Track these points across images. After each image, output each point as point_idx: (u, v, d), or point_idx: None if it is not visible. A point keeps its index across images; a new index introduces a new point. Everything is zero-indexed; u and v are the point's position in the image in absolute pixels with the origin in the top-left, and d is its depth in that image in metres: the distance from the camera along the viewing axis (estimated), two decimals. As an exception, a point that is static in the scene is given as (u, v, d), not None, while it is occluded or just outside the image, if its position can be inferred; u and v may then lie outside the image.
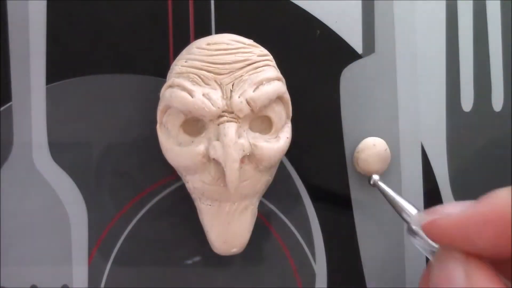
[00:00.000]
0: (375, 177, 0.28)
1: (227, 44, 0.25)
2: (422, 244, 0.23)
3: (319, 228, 0.29)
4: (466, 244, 0.20)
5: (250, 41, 0.26)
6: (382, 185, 0.27)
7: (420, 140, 0.29)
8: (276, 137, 0.26)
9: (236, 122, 0.24)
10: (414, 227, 0.23)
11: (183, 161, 0.25)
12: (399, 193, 0.28)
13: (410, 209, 0.25)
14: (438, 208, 0.22)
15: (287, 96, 0.26)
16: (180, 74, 0.25)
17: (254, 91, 0.24)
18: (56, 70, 0.28)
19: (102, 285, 0.28)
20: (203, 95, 0.24)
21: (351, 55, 0.29)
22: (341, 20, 0.29)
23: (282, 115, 0.26)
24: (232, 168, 0.24)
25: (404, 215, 0.25)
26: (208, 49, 0.25)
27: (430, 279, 0.22)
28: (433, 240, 0.22)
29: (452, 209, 0.21)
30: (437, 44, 0.30)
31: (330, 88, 0.29)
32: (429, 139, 0.29)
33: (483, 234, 0.20)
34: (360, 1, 0.29)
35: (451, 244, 0.21)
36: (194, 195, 0.26)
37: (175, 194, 0.28)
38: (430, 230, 0.22)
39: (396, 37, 0.29)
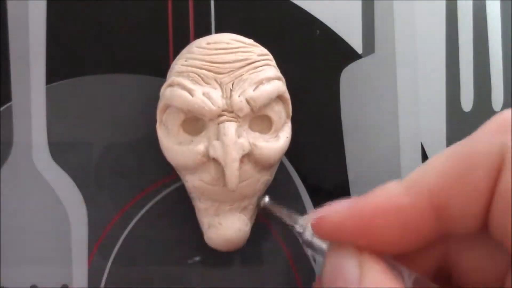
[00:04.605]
0: (266, 199, 0.25)
1: (227, 43, 0.25)
2: (318, 249, 0.21)
3: (319, 228, 0.29)
4: (359, 238, 0.19)
5: (250, 41, 0.26)
6: (272, 205, 0.25)
7: (420, 140, 0.29)
8: (275, 136, 0.26)
9: (236, 122, 0.24)
10: (306, 234, 0.21)
11: (182, 160, 0.25)
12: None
13: (303, 219, 0.22)
14: (326, 206, 0.20)
15: (287, 95, 0.26)
16: (180, 73, 0.25)
17: (254, 90, 0.24)
18: (56, 70, 0.28)
19: (102, 285, 0.28)
20: (203, 94, 0.24)
21: (351, 55, 0.29)
22: (341, 20, 0.29)
23: (282, 115, 0.26)
24: (232, 168, 0.24)
25: (297, 227, 0.22)
26: (208, 48, 0.25)
27: (322, 278, 0.19)
28: (323, 237, 0.20)
29: (340, 206, 0.19)
30: (437, 44, 0.30)
31: (330, 88, 0.29)
32: (429, 139, 0.29)
33: (372, 225, 0.18)
34: (360, 1, 0.29)
35: (342, 239, 0.19)
36: (193, 195, 0.26)
37: (175, 194, 0.28)
38: (319, 227, 0.19)
39: (396, 37, 0.29)
